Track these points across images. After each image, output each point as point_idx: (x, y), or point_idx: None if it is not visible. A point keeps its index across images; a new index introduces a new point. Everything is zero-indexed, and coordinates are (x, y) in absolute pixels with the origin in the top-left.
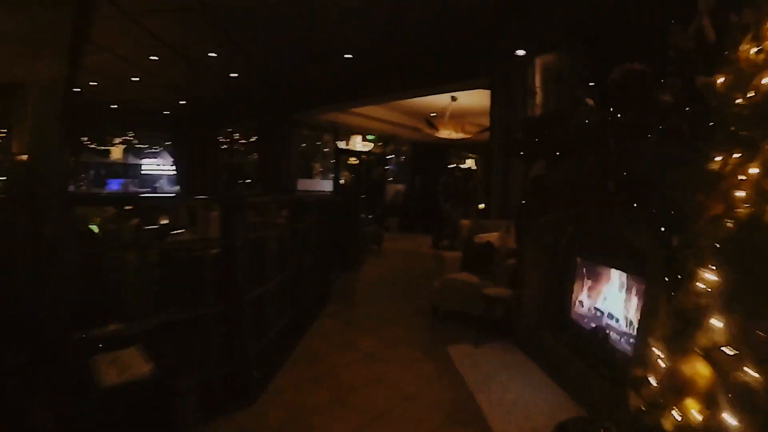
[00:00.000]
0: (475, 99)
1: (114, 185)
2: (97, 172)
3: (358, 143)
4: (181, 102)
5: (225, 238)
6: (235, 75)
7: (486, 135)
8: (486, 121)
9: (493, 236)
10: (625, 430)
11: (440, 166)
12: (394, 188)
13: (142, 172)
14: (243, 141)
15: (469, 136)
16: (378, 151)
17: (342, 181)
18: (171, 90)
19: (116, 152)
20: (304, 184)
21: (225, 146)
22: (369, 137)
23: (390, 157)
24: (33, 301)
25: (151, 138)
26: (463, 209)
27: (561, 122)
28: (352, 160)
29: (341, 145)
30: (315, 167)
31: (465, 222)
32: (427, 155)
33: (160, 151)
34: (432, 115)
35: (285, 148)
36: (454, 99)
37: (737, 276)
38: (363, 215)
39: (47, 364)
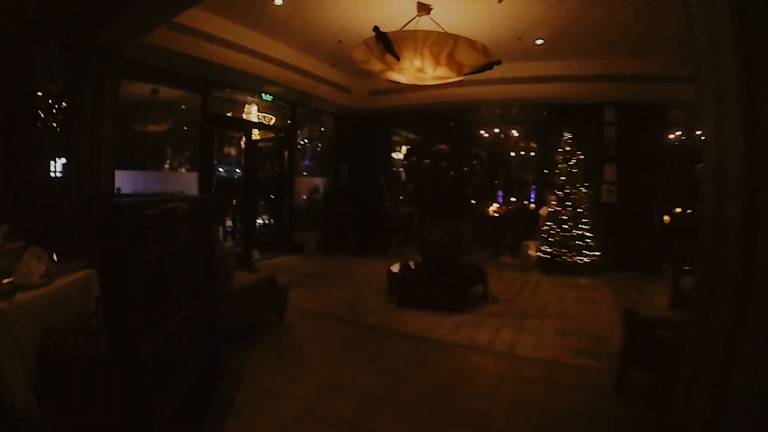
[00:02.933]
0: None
1: None
2: None
3: (255, 114)
4: None
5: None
6: None
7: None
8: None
9: None
10: None
11: (382, 148)
12: (309, 184)
13: None
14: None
15: (457, 77)
16: (279, 125)
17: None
18: None
19: None
20: (146, 180)
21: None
22: (265, 96)
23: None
24: None
25: None
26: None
27: None
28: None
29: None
30: (169, 153)
31: None
32: (361, 131)
33: None
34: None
35: (94, 115)
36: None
37: None
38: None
39: None
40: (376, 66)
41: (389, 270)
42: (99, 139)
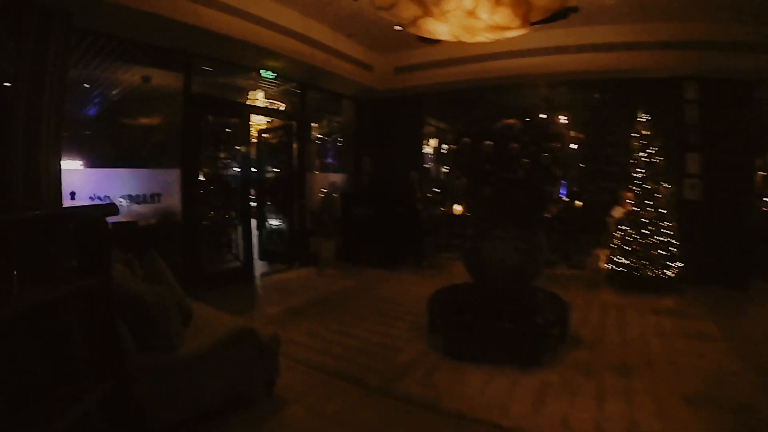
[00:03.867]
0: None
1: None
2: None
3: (261, 102)
4: None
5: None
6: None
7: None
8: None
9: None
10: None
11: (412, 137)
12: (325, 181)
13: None
14: None
15: (520, 28)
16: (289, 110)
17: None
18: None
19: None
20: (119, 179)
21: None
22: (264, 73)
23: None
24: None
25: None
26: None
27: None
28: (262, 127)
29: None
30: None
31: None
32: (386, 118)
33: None
34: None
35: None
36: None
37: None
38: None
39: None
40: (406, 10)
41: (431, 299)
42: (37, 127)
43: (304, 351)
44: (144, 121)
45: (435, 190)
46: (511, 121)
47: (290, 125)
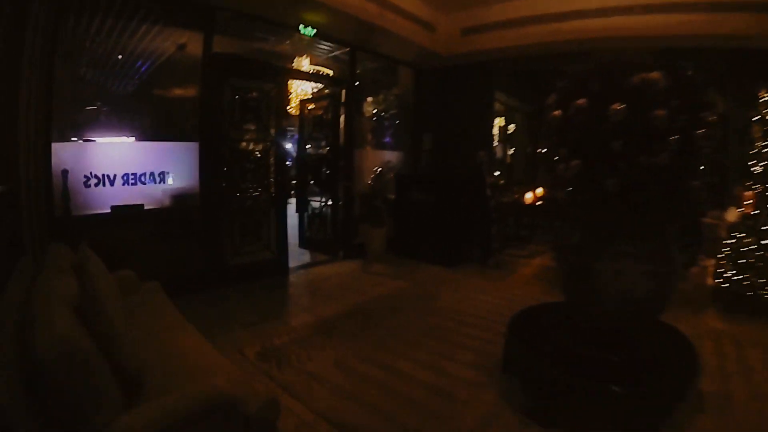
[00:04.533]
0: None
1: None
2: None
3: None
4: None
5: None
6: None
7: None
8: None
9: None
10: None
11: (480, 111)
12: (377, 159)
13: None
14: None
15: None
16: (336, 76)
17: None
18: None
19: None
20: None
21: None
22: (304, 30)
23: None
24: None
25: None
26: None
27: None
28: (302, 98)
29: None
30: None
31: None
32: (450, 89)
33: None
34: None
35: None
36: None
37: None
38: None
39: None
40: None
41: (509, 327)
42: (14, 97)
43: (325, 394)
44: (179, 92)
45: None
46: (654, 75)
47: (337, 94)
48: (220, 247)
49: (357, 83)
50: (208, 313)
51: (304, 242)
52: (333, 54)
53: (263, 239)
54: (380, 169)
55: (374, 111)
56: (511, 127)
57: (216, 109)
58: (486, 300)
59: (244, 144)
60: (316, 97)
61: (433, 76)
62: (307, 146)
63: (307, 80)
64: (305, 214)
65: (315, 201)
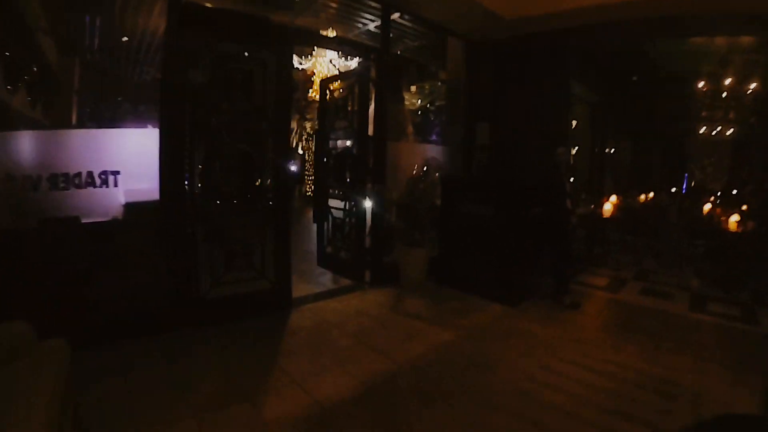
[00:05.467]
0: None
1: None
2: None
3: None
4: None
5: None
6: None
7: None
8: None
9: None
10: None
11: (555, 98)
12: (416, 155)
13: None
14: None
15: None
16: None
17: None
18: None
19: None
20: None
21: None
22: None
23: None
24: None
25: None
26: None
27: None
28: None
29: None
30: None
31: None
32: (513, 69)
33: None
34: None
35: None
36: None
37: None
38: None
39: None
40: None
41: None
42: None
43: None
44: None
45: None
46: None
47: (366, 72)
48: (192, 275)
49: (390, 58)
50: (156, 374)
51: (323, 260)
52: (366, 28)
53: (256, 263)
54: (423, 168)
55: (418, 102)
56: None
57: (186, 83)
58: (576, 375)
59: (227, 132)
60: (340, 75)
61: (491, 51)
62: (329, 139)
63: (323, 47)
64: (325, 225)
65: (338, 209)
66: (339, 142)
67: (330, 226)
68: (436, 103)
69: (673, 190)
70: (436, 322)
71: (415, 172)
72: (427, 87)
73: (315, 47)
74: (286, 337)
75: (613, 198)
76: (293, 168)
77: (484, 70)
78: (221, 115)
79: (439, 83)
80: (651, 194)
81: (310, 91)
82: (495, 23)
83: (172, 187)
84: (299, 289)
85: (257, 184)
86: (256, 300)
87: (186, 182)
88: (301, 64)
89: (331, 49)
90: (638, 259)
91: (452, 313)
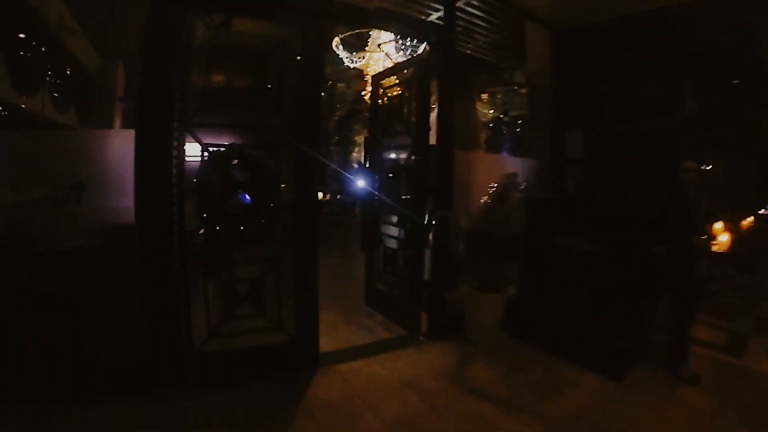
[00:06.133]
0: None
1: None
2: None
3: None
4: None
5: None
6: None
7: None
8: None
9: None
10: None
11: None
12: (492, 170)
13: None
14: None
15: None
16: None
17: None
18: None
19: None
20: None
21: None
22: None
23: None
24: None
25: None
26: None
27: None
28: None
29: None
30: None
31: None
32: (612, 62)
33: None
34: None
35: None
36: None
37: None
38: None
39: None
40: None
41: None
42: None
43: None
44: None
45: None
46: None
47: (427, 59)
48: (181, 323)
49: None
50: None
51: (371, 297)
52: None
53: (269, 309)
54: (502, 185)
55: (490, 113)
56: None
57: (170, 72)
58: None
59: (231, 133)
60: (395, 68)
61: (582, 40)
62: (382, 149)
63: (365, 25)
64: (374, 254)
65: (391, 236)
66: (393, 154)
67: (380, 256)
68: (510, 113)
69: None
70: (513, 405)
71: (492, 191)
72: (500, 95)
73: (355, 27)
74: (299, 420)
75: (719, 224)
76: (358, 183)
77: (574, 64)
78: (222, 111)
79: (515, 87)
80: (751, 218)
81: (363, 92)
82: (585, 5)
83: (153, 206)
84: (332, 339)
85: (271, 205)
86: (269, 356)
87: (173, 198)
88: (352, 62)
89: (377, 27)
90: (752, 303)
91: (535, 390)
